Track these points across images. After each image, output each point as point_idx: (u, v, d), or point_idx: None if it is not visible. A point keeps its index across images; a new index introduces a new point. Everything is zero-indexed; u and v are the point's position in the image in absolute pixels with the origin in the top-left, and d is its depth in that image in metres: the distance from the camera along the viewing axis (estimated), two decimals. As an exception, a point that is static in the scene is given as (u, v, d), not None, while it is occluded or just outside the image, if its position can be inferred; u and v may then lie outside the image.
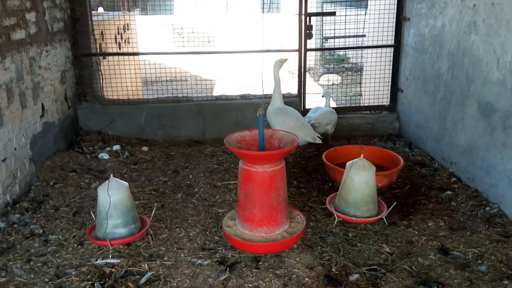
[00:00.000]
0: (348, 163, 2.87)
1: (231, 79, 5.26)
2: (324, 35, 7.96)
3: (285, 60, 3.81)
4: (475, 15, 3.27)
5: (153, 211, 2.90)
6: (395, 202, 2.89)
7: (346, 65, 8.56)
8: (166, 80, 5.45)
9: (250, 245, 2.55)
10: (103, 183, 2.59)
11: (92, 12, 4.69)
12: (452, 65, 3.63)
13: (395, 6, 4.53)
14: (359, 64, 7.06)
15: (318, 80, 8.60)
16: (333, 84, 7.91)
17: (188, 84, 5.36)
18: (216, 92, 5.58)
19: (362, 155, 2.87)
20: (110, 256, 2.51)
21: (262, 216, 2.57)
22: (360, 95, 5.43)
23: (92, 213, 2.78)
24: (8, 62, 3.12)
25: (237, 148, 2.60)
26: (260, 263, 2.48)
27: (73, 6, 4.35)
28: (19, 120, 3.27)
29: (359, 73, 6.69)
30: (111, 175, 2.61)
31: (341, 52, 9.37)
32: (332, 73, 8.46)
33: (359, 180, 2.77)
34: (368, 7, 5.33)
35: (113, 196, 2.49)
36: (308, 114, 4.36)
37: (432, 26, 3.93)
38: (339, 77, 8.15)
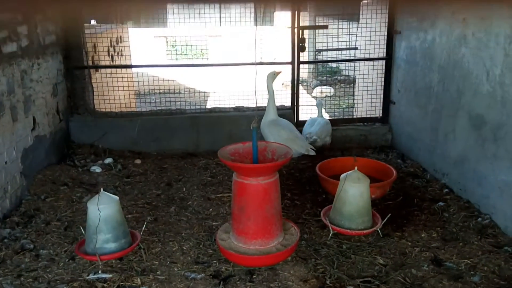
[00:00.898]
0: (342, 176, 2.87)
1: (225, 91, 5.28)
2: (317, 48, 8.04)
3: (278, 72, 3.85)
4: (465, 29, 3.33)
5: (144, 225, 2.86)
6: (390, 214, 2.90)
7: (339, 77, 8.64)
8: (160, 93, 5.44)
9: (244, 258, 2.53)
10: (93, 197, 2.56)
11: (85, 24, 4.70)
12: (443, 78, 3.68)
13: (386, 19, 4.60)
14: (352, 76, 7.13)
15: (312, 92, 8.66)
16: (326, 96, 7.96)
17: (181, 96, 5.37)
18: (209, 105, 5.59)
19: (356, 168, 2.88)
20: (100, 272, 2.47)
21: (256, 229, 2.56)
22: (353, 107, 5.47)
23: (81, 228, 2.75)
24: (-1, 75, 3.10)
25: (230, 161, 2.60)
26: (254, 276, 2.46)
27: (65, 19, 4.35)
28: (10, 133, 3.24)
29: (351, 85, 6.75)
30: (102, 189, 2.58)
31: (334, 65, 9.47)
32: (325, 85, 8.54)
33: (354, 193, 2.77)
34: (360, 20, 5.41)
35: (103, 210, 2.45)
36: (305, 128, 4.39)
37: (423, 39, 3.99)
38: (332, 89, 8.23)
